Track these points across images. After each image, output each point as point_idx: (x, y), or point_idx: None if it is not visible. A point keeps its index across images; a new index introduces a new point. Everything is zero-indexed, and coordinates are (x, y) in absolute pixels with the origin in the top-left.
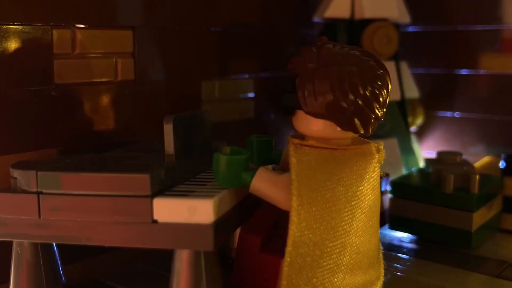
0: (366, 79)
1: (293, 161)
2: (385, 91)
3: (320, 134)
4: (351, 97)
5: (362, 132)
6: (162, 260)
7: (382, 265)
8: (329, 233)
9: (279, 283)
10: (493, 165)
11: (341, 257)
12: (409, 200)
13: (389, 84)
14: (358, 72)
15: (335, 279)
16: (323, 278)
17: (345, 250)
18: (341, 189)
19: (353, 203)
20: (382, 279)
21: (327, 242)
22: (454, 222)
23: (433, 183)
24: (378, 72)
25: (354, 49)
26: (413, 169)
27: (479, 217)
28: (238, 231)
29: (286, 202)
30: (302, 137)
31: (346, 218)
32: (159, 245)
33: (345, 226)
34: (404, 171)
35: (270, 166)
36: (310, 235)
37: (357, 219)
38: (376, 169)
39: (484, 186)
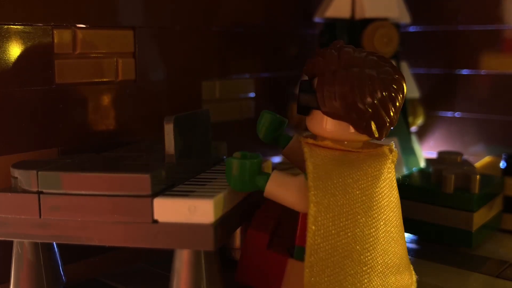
0: (385, 83)
1: (309, 166)
2: (400, 95)
3: (333, 134)
4: (370, 99)
5: (376, 136)
6: (162, 260)
7: (413, 273)
8: (348, 237)
9: (285, 281)
10: (494, 165)
11: (364, 259)
12: (409, 200)
13: (404, 89)
14: (378, 76)
15: (358, 283)
16: (345, 281)
17: (367, 252)
18: (357, 192)
19: (370, 205)
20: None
21: (346, 246)
22: (455, 222)
23: (433, 183)
24: (395, 77)
25: (372, 54)
26: (414, 169)
27: (480, 217)
28: (238, 231)
29: (301, 205)
30: (313, 137)
31: (364, 221)
32: (159, 245)
33: (364, 229)
34: (404, 171)
35: (269, 163)
36: (329, 240)
37: (376, 221)
38: (390, 169)
39: (484, 186)
